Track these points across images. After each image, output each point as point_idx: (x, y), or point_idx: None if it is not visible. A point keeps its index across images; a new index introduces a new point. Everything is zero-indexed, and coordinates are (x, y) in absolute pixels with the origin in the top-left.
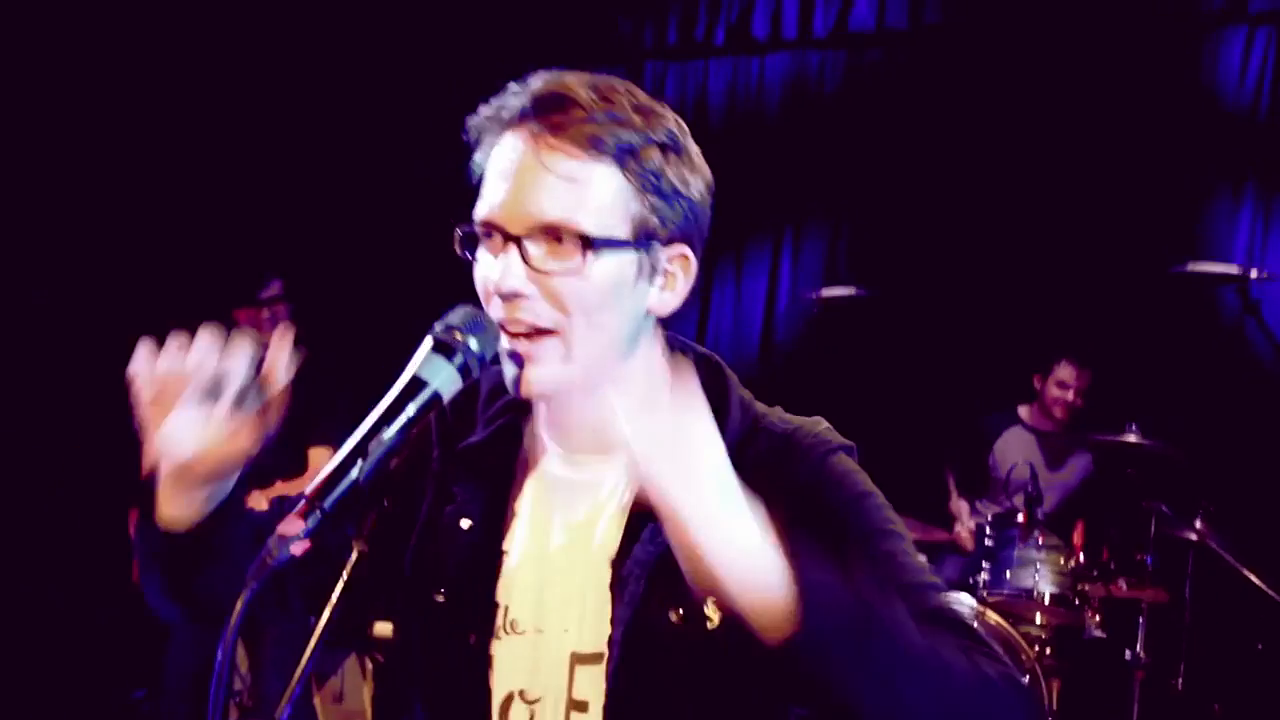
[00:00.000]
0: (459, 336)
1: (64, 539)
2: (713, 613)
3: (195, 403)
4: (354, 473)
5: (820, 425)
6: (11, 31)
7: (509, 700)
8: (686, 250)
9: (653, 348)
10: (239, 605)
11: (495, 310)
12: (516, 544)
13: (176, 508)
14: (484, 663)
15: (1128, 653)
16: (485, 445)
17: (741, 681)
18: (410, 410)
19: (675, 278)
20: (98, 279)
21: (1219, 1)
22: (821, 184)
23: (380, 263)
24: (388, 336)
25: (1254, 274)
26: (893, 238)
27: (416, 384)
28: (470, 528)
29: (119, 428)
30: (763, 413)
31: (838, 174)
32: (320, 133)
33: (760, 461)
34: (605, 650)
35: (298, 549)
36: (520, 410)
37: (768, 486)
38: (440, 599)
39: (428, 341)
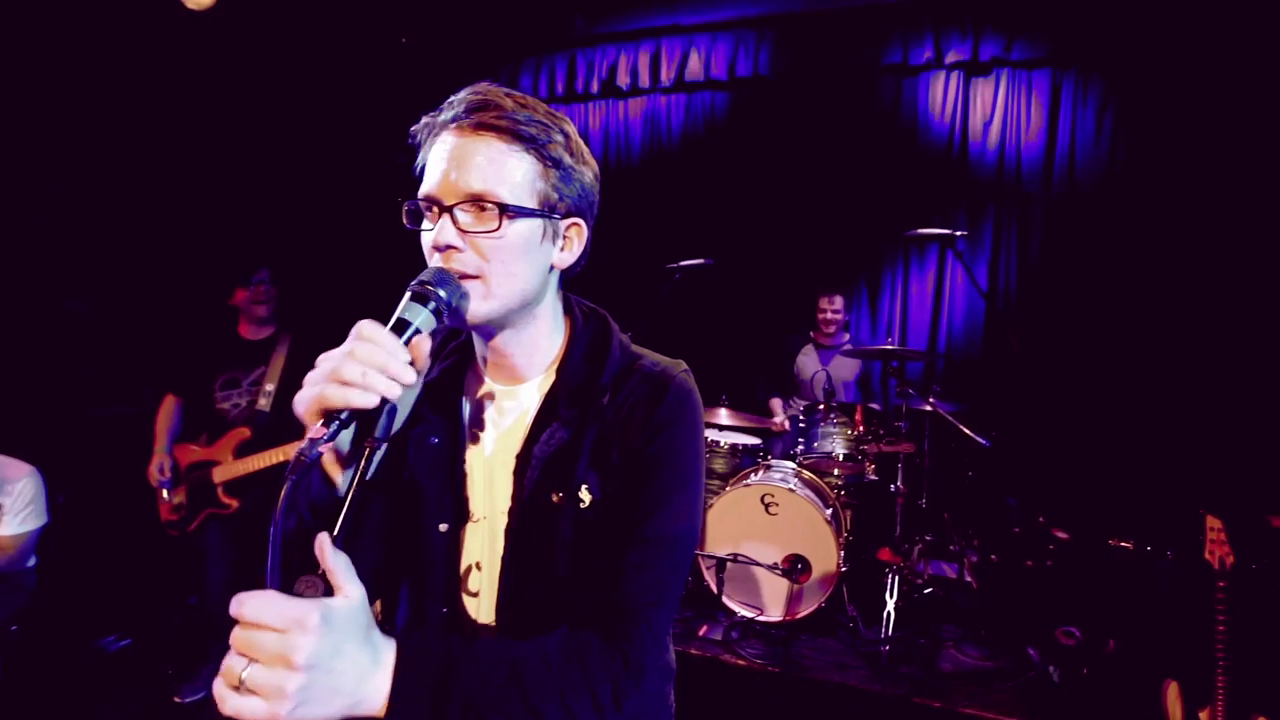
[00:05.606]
0: (430, 287)
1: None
2: (585, 495)
3: None
4: None
5: (681, 367)
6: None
7: (469, 571)
8: (580, 221)
9: (557, 299)
10: (283, 493)
11: (435, 263)
12: (469, 452)
13: None
14: (456, 544)
15: (891, 486)
16: (440, 380)
17: (601, 546)
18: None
19: (572, 242)
20: (117, 272)
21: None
22: (675, 188)
23: (354, 252)
24: (358, 312)
25: (956, 234)
26: (725, 222)
27: (402, 324)
28: (437, 443)
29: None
30: (639, 354)
31: (686, 179)
32: (303, 143)
33: (636, 394)
34: (507, 519)
35: (325, 449)
36: (463, 353)
37: (641, 415)
38: (420, 497)
39: (408, 294)
